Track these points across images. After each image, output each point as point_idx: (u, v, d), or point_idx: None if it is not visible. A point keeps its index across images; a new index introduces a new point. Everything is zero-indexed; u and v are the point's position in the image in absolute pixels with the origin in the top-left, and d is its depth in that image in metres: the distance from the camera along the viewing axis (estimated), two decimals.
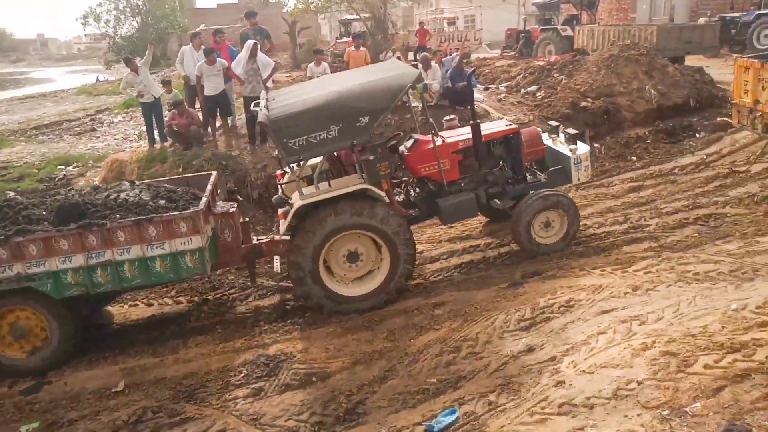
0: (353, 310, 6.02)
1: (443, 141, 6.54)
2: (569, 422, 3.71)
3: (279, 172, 7.25)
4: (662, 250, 6.27)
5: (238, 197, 7.01)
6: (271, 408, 4.66)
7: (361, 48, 13.02)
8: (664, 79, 11.92)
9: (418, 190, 6.89)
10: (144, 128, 11.42)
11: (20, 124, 18.46)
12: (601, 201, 8.07)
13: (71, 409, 5.02)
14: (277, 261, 6.52)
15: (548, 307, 5.29)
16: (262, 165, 9.61)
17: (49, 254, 5.32)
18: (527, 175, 7.02)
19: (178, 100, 10.13)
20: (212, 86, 9.86)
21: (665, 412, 3.55)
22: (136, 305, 6.98)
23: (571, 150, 6.98)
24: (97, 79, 35.70)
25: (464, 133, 6.81)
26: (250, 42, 9.75)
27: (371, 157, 5.83)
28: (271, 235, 6.80)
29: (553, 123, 7.86)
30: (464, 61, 13.36)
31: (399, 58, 16.61)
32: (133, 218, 5.43)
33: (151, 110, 10.44)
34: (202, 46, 10.42)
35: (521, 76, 13.94)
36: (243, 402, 4.80)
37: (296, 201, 5.81)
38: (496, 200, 6.80)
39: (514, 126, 7.05)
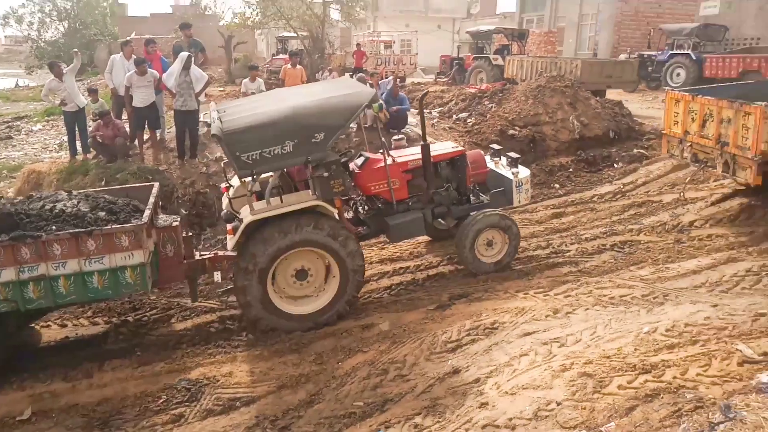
0: (301, 328, 5.93)
1: (393, 160, 6.61)
2: None
3: (224, 186, 7.10)
4: (581, 274, 6.55)
5: (183, 210, 6.78)
6: None
7: (298, 66, 13.00)
8: (586, 111, 12.53)
9: (366, 207, 6.93)
10: (65, 138, 10.91)
11: None
12: (525, 226, 8.35)
13: None
14: (218, 274, 6.35)
15: (474, 329, 5.40)
16: (191, 180, 9.38)
17: None
18: (471, 196, 7.22)
19: (105, 111, 9.75)
20: (142, 97, 9.57)
21: None
22: (48, 326, 6.59)
23: (513, 173, 7.25)
24: (17, 84, 33.91)
25: (413, 153, 6.96)
26: (184, 54, 9.55)
27: (325, 174, 5.78)
28: (215, 251, 6.57)
29: (496, 147, 8.15)
30: (399, 84, 13.58)
31: (335, 78, 16.70)
32: (71, 230, 5.13)
33: (74, 120, 9.98)
34: (133, 56, 10.12)
35: (453, 102, 14.31)
36: (162, 429, 4.61)
37: (246, 216, 5.69)
38: (440, 220, 6.93)
39: (460, 148, 7.28)
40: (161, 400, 4.97)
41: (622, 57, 24.08)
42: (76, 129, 10.05)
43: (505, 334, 5.22)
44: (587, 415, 3.84)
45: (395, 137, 8.60)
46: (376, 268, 7.48)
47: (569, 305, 5.63)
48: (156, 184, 6.56)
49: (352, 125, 7.35)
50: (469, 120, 12.58)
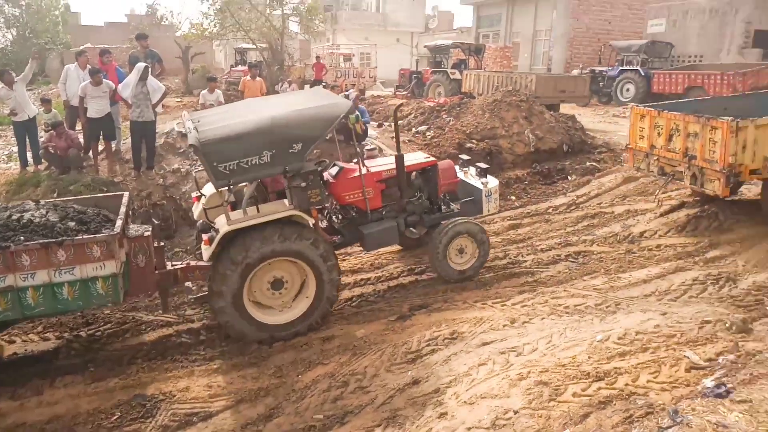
0: (277, 339, 5.91)
1: (368, 170, 6.68)
2: None
3: (194, 195, 7.03)
4: (537, 284, 6.70)
5: (154, 220, 6.64)
6: None
7: (258, 78, 12.95)
8: (541, 125, 12.85)
9: (340, 216, 6.98)
10: (15, 149, 10.57)
11: None
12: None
13: None
14: (189, 284, 6.23)
15: (433, 340, 5.47)
16: (147, 192, 9.21)
17: None
18: (442, 205, 7.36)
19: (57, 121, 9.51)
20: (97, 108, 9.36)
21: None
22: None
23: (482, 183, 7.44)
24: None
25: (386, 163, 7.08)
26: (141, 64, 9.41)
27: (303, 184, 5.78)
28: (187, 261, 6.46)
29: (465, 157, 8.33)
30: (359, 98, 13.68)
31: (294, 90, 16.69)
32: (41, 241, 4.97)
33: (25, 130, 9.69)
34: (88, 66, 9.91)
35: (413, 115, 14.47)
36: None
37: (222, 226, 5.63)
38: (411, 229, 7.02)
39: (432, 159, 7.42)
40: (115, 417, 4.85)
41: (575, 72, 24.84)
42: (27, 139, 9.77)
43: (464, 344, 5.29)
44: (543, 423, 3.93)
45: (367, 147, 8.67)
46: None
47: (526, 315, 5.75)
48: (126, 194, 6.43)
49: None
50: (428, 133, 12.74)
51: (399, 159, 6.76)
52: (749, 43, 23.66)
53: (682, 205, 8.90)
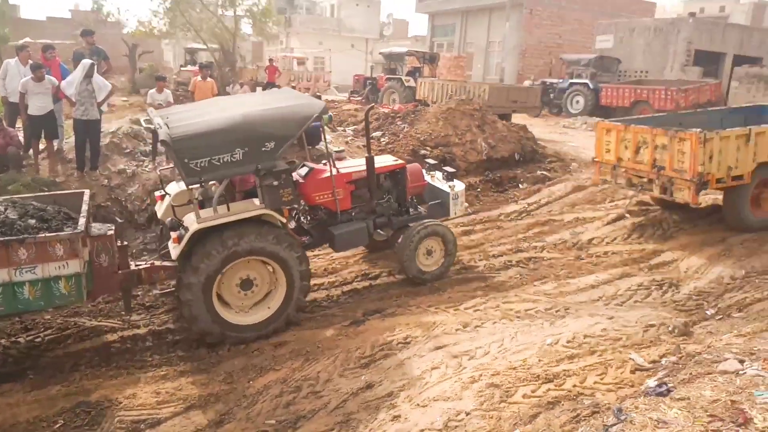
0: (246, 339, 5.83)
1: (338, 171, 6.66)
2: None
3: (158, 194, 6.87)
4: (489, 289, 6.80)
5: (117, 219, 6.43)
6: None
7: (209, 79, 12.73)
8: (493, 134, 13.09)
9: (309, 217, 6.95)
10: None
11: None
12: None
13: None
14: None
15: (387, 344, 5.46)
16: (91, 193, 8.88)
17: None
18: (409, 208, 7.43)
19: None
20: (38, 105, 8.98)
21: None
22: None
23: (450, 186, 7.57)
24: None
25: (356, 164, 7.13)
26: (87, 61, 9.09)
27: (275, 183, 5.72)
28: (151, 261, 6.26)
29: (431, 161, 8.47)
30: None
31: (246, 93, 16.48)
32: (0, 239, 4.75)
33: None
34: (30, 61, 9.51)
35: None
36: None
37: (192, 224, 5.48)
38: (379, 230, 7.07)
39: (401, 162, 7.50)
40: (58, 426, 4.64)
41: (527, 83, 25.46)
42: None
43: (417, 348, 5.31)
44: (494, 424, 3.98)
45: (336, 149, 8.68)
46: None
47: (478, 319, 5.82)
48: (87, 191, 6.22)
49: None
50: (382, 139, 12.80)
51: (369, 161, 6.82)
52: (690, 61, 24.81)
53: (628, 214, 9.21)
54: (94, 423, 4.68)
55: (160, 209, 6.73)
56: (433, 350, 5.25)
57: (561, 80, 24.88)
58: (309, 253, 7.62)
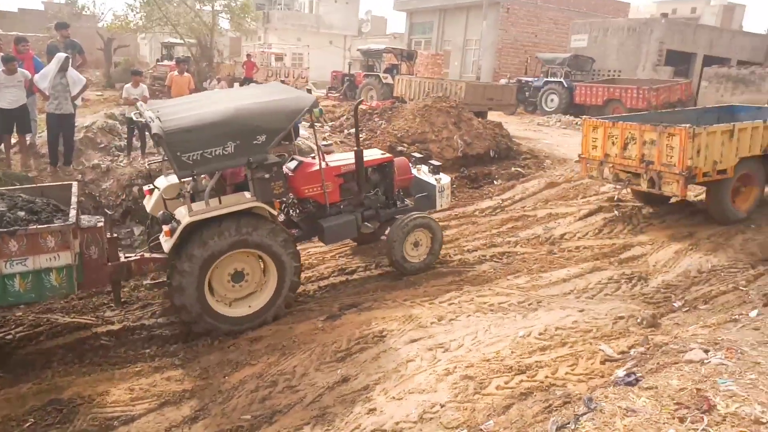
0: (239, 331, 5.88)
1: (327, 164, 6.71)
2: None
3: (147, 188, 6.87)
4: (464, 283, 6.87)
5: (107, 211, 6.40)
6: None
7: (186, 74, 12.61)
8: (469, 131, 13.22)
9: (298, 210, 7.02)
10: None
11: None
12: None
13: None
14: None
15: (363, 338, 5.50)
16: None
17: None
18: (397, 200, 7.54)
19: None
20: (10, 99, 8.82)
21: (463, 431, 3.88)
22: None
23: (436, 179, 7.71)
24: None
25: (344, 158, 7.21)
26: (61, 55, 8.97)
27: (266, 176, 5.77)
28: (141, 253, 6.25)
29: (417, 155, 8.61)
30: None
31: (224, 88, 16.36)
32: None
33: None
34: (1, 53, 9.34)
35: (345, 117, 14.54)
36: None
37: (184, 217, 5.50)
38: (366, 223, 7.15)
39: (388, 155, 7.61)
40: (28, 424, 4.58)
41: (503, 82, 25.68)
42: None
43: (393, 342, 5.36)
44: (468, 415, 4.04)
45: (323, 143, 8.74)
46: None
47: (453, 312, 5.89)
48: (75, 183, 6.17)
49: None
50: (360, 135, 12.82)
51: (358, 154, 6.91)
52: (662, 60, 25.29)
53: (599, 210, 9.38)
54: (66, 421, 4.63)
55: (149, 203, 6.73)
56: (408, 343, 5.30)
57: (536, 79, 25.15)
58: None
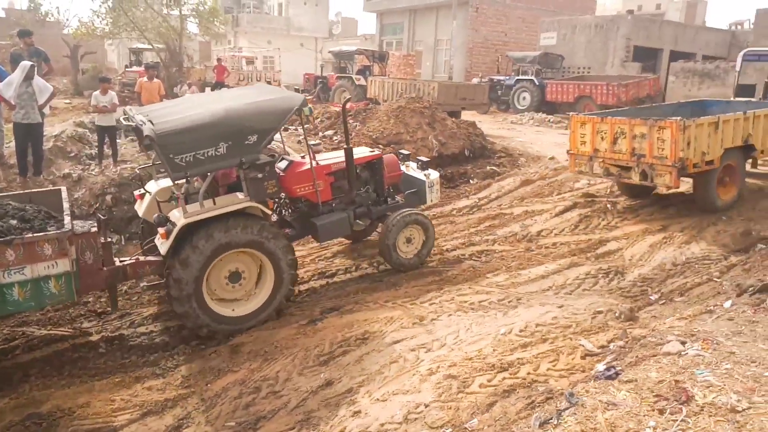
0: (236, 330, 5.92)
1: (317, 163, 6.76)
2: None
3: (137, 193, 6.85)
4: (444, 283, 6.92)
5: (100, 216, 6.34)
6: None
7: (155, 79, 12.46)
8: (443, 131, 13.29)
9: (290, 210, 7.07)
10: None
11: None
12: None
13: None
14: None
15: (345, 341, 5.50)
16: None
17: None
18: (387, 197, 7.61)
19: None
20: None
21: (448, 430, 3.92)
22: None
23: (425, 175, 7.80)
24: None
25: (334, 156, 7.28)
26: (26, 63, 8.79)
27: (259, 176, 5.83)
28: (136, 256, 6.18)
29: (404, 152, 8.72)
30: None
31: (194, 93, 16.19)
32: None
33: None
34: None
35: (319, 120, 14.49)
36: None
37: (179, 219, 5.50)
38: (358, 221, 7.22)
39: (377, 152, 7.69)
40: None
41: (475, 81, 25.87)
42: None
43: (375, 343, 5.37)
44: (453, 414, 4.07)
45: (312, 143, 8.75)
46: None
47: (434, 312, 5.92)
48: (63, 188, 6.15)
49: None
50: (334, 137, 12.81)
51: (348, 152, 6.97)
52: (630, 56, 25.74)
53: (574, 206, 9.52)
54: None
55: (140, 208, 6.73)
56: (391, 345, 5.32)
57: (508, 77, 25.41)
58: None
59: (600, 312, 5.62)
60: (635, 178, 8.55)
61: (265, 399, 4.80)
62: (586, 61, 26.89)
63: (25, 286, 4.89)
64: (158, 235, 5.76)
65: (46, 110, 9.70)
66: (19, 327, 6.26)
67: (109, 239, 5.92)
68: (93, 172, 9.71)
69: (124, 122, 6.21)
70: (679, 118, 8.08)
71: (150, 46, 22.19)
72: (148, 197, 6.58)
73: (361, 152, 7.60)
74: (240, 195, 6.03)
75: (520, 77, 24.66)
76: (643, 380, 3.61)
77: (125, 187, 9.41)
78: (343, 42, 39.44)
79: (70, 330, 6.25)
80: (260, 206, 5.90)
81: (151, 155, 10.69)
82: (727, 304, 5.18)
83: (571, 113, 9.96)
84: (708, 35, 29.09)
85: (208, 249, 5.60)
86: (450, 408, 4.14)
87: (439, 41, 34.16)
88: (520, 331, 5.27)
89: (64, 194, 5.95)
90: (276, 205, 7.12)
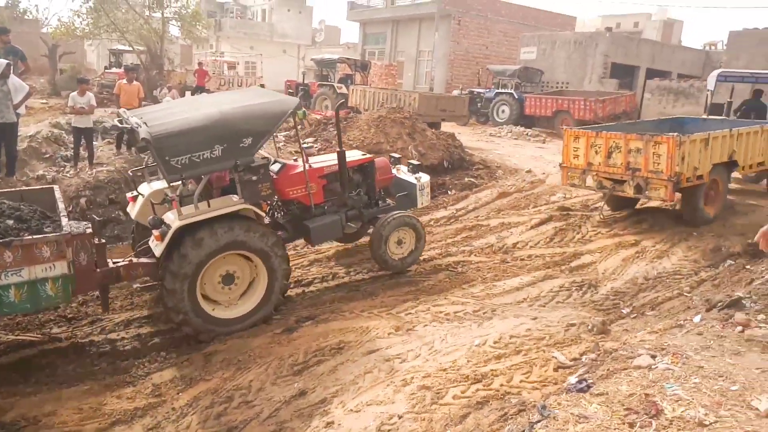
0: (231, 332, 5.97)
1: (310, 166, 6.81)
2: None
3: (130, 195, 6.84)
4: (420, 293, 6.94)
5: (94, 216, 6.27)
6: None
7: (135, 82, 12.33)
8: (423, 141, 13.37)
9: (283, 212, 7.10)
10: None
11: None
12: (368, 249, 8.66)
13: None
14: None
15: (320, 350, 5.48)
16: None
17: None
18: (379, 200, 7.71)
19: None
20: None
21: None
22: None
23: (416, 178, 7.95)
24: None
25: (327, 159, 7.34)
26: (2, 61, 8.63)
27: (254, 178, 5.89)
28: (129, 258, 6.11)
29: (395, 155, 8.82)
30: None
31: (174, 97, 16.05)
32: None
33: None
34: None
35: (300, 126, 14.46)
36: None
37: (174, 221, 5.51)
38: (349, 223, 7.32)
39: (369, 156, 7.79)
40: None
41: (455, 93, 26.07)
42: None
43: (350, 353, 5.36)
44: (426, 426, 4.07)
45: (305, 145, 8.75)
46: None
47: (409, 322, 5.93)
48: (56, 187, 6.10)
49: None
50: (315, 145, 12.80)
51: (341, 155, 7.03)
52: (607, 73, 26.19)
53: (550, 219, 9.62)
54: None
55: (133, 210, 6.72)
56: (366, 355, 5.31)
57: (487, 90, 25.66)
58: None
59: (573, 324, 5.67)
60: (629, 191, 8.77)
61: (237, 409, 4.75)
62: (565, 76, 27.29)
63: (21, 288, 4.87)
64: (152, 237, 5.77)
65: (22, 110, 9.54)
66: None
67: (102, 240, 5.87)
68: (68, 174, 9.57)
69: (119, 124, 6.19)
70: (675, 134, 8.32)
71: (130, 48, 21.98)
72: (140, 199, 6.59)
73: (353, 155, 7.68)
74: (234, 197, 6.08)
75: (500, 90, 24.91)
76: (614, 393, 3.65)
77: (100, 190, 9.28)
78: (326, 50, 39.49)
79: (39, 335, 6.12)
80: (254, 208, 5.97)
81: (130, 157, 10.58)
82: (697, 318, 5.27)
83: (564, 127, 10.16)
84: (683, 54, 29.75)
85: (202, 251, 5.64)
86: (423, 419, 4.13)
87: (421, 52, 34.40)
88: (495, 342, 5.29)
89: (58, 194, 5.93)
90: (269, 207, 7.17)
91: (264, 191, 6.12)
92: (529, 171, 13.74)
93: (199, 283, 5.78)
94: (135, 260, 6.07)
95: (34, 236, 4.98)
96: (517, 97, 24.00)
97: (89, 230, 5.57)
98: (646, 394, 3.55)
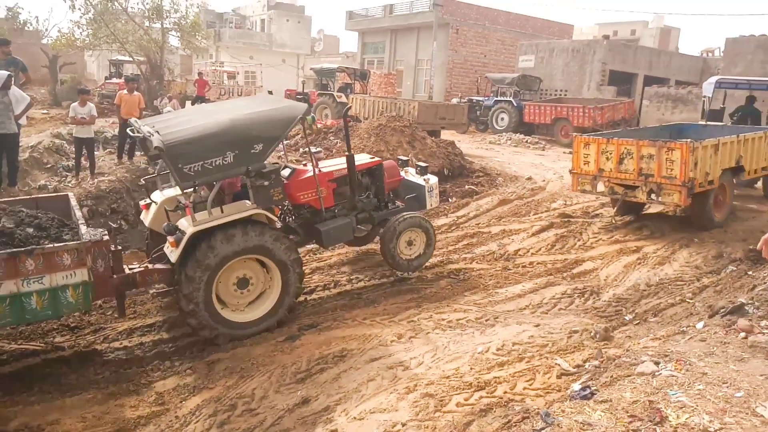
0: (248, 335, 6.06)
1: (320, 170, 6.90)
2: None
3: (143, 203, 6.90)
4: (422, 300, 6.94)
5: (111, 224, 6.33)
6: None
7: (135, 92, 12.38)
8: (423, 149, 13.40)
9: (294, 216, 7.16)
10: None
11: None
12: (370, 257, 8.67)
13: None
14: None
15: (323, 358, 5.48)
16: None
17: None
18: (388, 203, 7.79)
19: None
20: None
21: None
22: None
23: (425, 180, 8.01)
24: None
25: (336, 163, 7.45)
26: (3, 72, 8.67)
27: (266, 183, 5.97)
28: (145, 264, 6.17)
29: (403, 158, 8.92)
30: None
31: (175, 107, 16.12)
32: (8, 250, 4.68)
33: None
34: None
35: (300, 135, 14.51)
36: None
37: (188, 228, 5.58)
38: (360, 226, 7.39)
39: (377, 159, 7.88)
40: None
41: (454, 101, 26.17)
42: None
43: (353, 361, 5.36)
44: None
45: (314, 150, 8.81)
46: None
47: (412, 330, 5.93)
48: (71, 194, 6.16)
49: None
50: (321, 150, 12.83)
51: (350, 159, 7.09)
52: (605, 80, 26.31)
53: (551, 226, 9.64)
54: None
55: (146, 217, 6.78)
56: (368, 362, 5.31)
57: (487, 98, 25.75)
58: None
59: (576, 331, 5.68)
60: (642, 197, 8.85)
61: (241, 417, 4.74)
62: (563, 83, 27.41)
63: (43, 296, 4.93)
64: (167, 244, 5.82)
65: (23, 121, 9.58)
66: None
67: (119, 247, 5.92)
68: (69, 184, 9.59)
69: (132, 134, 6.25)
70: (689, 140, 8.41)
71: (130, 59, 22.08)
72: (154, 207, 6.65)
73: (361, 159, 7.75)
74: (247, 203, 6.15)
75: (499, 98, 25.01)
76: (617, 400, 3.65)
77: (102, 200, 9.30)
78: (325, 59, 39.64)
79: (42, 344, 6.12)
80: (267, 213, 6.04)
81: (131, 167, 10.61)
82: (700, 325, 5.28)
83: (574, 134, 10.23)
84: (681, 61, 29.90)
85: (217, 256, 5.70)
86: (427, 427, 4.14)
87: (420, 61, 34.55)
88: (497, 349, 5.31)
89: (73, 201, 6.00)
90: (280, 212, 7.20)
91: (276, 196, 6.20)
92: (529, 178, 13.78)
93: (214, 287, 5.86)
94: (150, 266, 6.13)
95: (55, 244, 5.05)
96: (515, 104, 24.09)
97: (106, 237, 5.62)
98: (650, 401, 3.55)
